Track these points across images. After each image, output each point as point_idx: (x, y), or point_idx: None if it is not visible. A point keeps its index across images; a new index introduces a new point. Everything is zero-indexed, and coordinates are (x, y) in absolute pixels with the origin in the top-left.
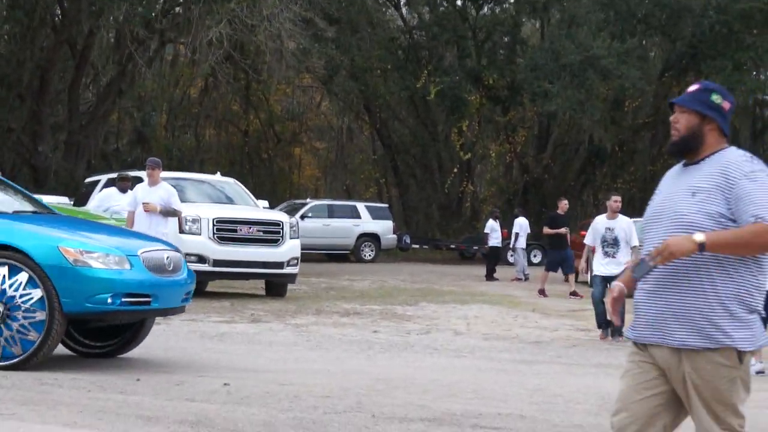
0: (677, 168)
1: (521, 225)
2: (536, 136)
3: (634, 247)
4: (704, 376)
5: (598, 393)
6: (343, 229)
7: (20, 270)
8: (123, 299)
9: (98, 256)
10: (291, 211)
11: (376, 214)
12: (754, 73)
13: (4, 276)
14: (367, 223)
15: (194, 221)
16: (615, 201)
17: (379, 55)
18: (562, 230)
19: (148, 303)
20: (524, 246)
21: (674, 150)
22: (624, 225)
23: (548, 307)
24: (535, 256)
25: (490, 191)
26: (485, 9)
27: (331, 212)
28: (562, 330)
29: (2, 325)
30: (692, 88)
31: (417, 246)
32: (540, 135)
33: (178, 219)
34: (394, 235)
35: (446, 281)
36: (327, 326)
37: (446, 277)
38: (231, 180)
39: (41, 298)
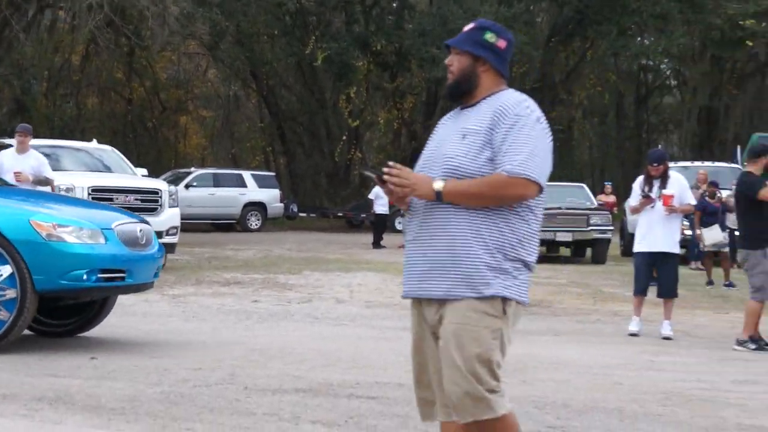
0: (454, 111)
1: None
2: (424, 102)
3: None
4: (466, 325)
5: None
6: (228, 198)
7: None
8: (99, 275)
9: (72, 230)
10: (175, 181)
11: (262, 183)
12: (639, 38)
13: None
14: (253, 192)
15: (68, 190)
16: None
17: (266, 21)
18: None
19: (122, 279)
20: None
21: (449, 93)
22: None
23: None
24: None
25: (378, 158)
26: None
27: (217, 181)
28: None
29: None
30: (467, 27)
31: (304, 214)
32: (428, 101)
33: (51, 188)
34: (281, 204)
35: (332, 249)
36: (206, 296)
37: (332, 245)
38: (108, 148)
39: (11, 275)
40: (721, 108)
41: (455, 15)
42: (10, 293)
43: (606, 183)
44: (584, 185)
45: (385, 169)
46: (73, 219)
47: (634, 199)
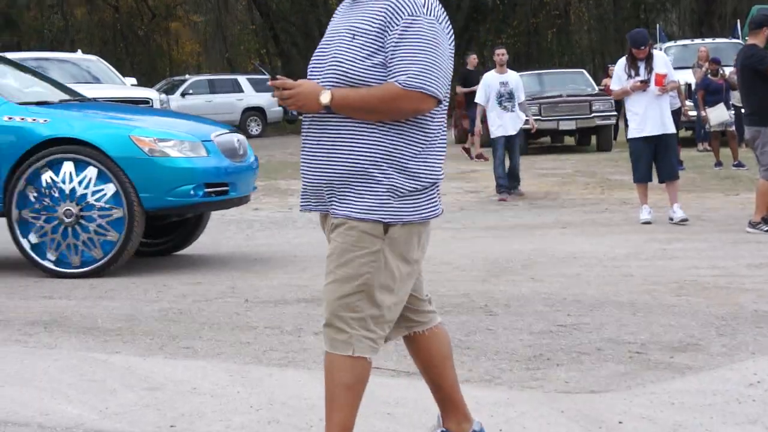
0: (348, 0)
1: None
2: None
3: (523, 101)
4: (344, 244)
5: (486, 258)
6: (226, 105)
7: (87, 164)
8: (205, 190)
9: (173, 144)
10: (170, 89)
11: (259, 87)
12: None
13: (70, 173)
14: (250, 97)
15: None
16: (500, 54)
17: None
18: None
19: (226, 192)
20: None
21: None
22: (516, 78)
23: None
24: None
25: None
26: None
27: (213, 87)
28: (451, 194)
29: (77, 227)
30: None
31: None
32: None
33: None
34: (280, 108)
35: None
36: None
37: None
38: (94, 58)
39: (115, 193)
40: None
41: None
42: (117, 212)
43: (609, 65)
44: (584, 71)
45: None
46: (173, 132)
47: (616, 83)
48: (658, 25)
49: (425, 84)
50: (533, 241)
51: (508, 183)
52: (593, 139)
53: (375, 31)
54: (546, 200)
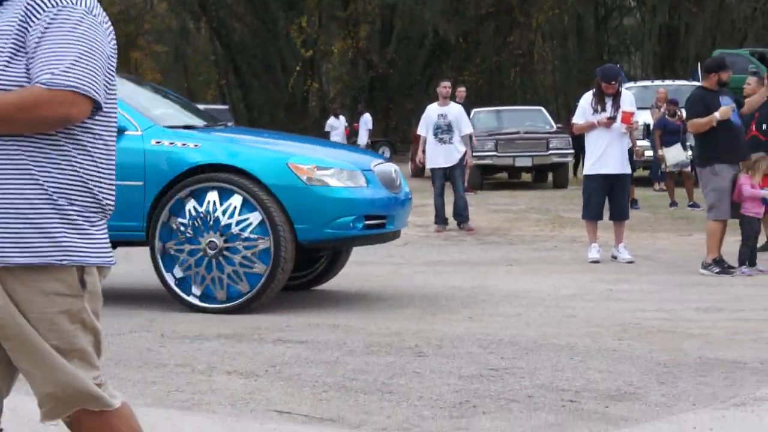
0: None
1: (365, 121)
2: (379, 30)
3: (466, 135)
4: (32, 303)
5: (425, 295)
6: None
7: (232, 193)
8: (365, 222)
9: (333, 173)
10: None
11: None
12: None
13: (214, 202)
14: None
15: None
16: (444, 87)
17: None
18: None
19: (383, 225)
20: (366, 142)
21: None
22: (457, 111)
23: None
24: (383, 152)
25: (336, 89)
26: None
27: None
28: None
29: (222, 260)
30: None
31: None
32: (383, 29)
33: None
34: None
35: None
36: None
37: None
38: None
39: (261, 222)
40: (682, 27)
41: None
42: (263, 243)
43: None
44: (542, 108)
45: None
46: (334, 160)
47: (581, 116)
48: (618, 66)
49: (75, 81)
50: (476, 278)
51: (455, 217)
52: (550, 176)
53: (15, 31)
54: (495, 236)
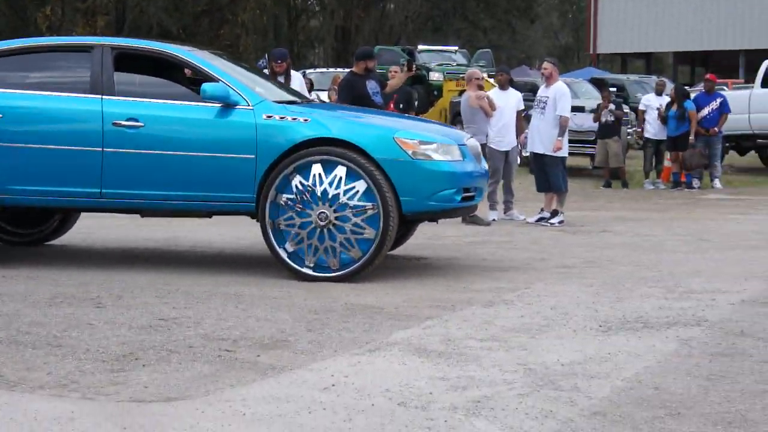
0: None
1: None
2: (114, 20)
3: None
4: None
5: (121, 245)
6: None
7: (336, 164)
8: (463, 194)
9: (436, 147)
10: None
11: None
12: None
13: (319, 174)
14: None
15: None
16: None
17: None
18: None
19: (473, 198)
20: None
21: None
22: None
23: None
24: None
25: None
26: None
27: None
28: None
29: (333, 229)
30: None
31: None
32: (117, 20)
33: None
34: None
35: None
36: None
37: None
38: None
39: (367, 190)
40: (353, 27)
41: None
42: (371, 209)
43: None
44: None
45: None
46: (433, 135)
47: None
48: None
49: None
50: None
51: None
52: None
53: None
54: None
